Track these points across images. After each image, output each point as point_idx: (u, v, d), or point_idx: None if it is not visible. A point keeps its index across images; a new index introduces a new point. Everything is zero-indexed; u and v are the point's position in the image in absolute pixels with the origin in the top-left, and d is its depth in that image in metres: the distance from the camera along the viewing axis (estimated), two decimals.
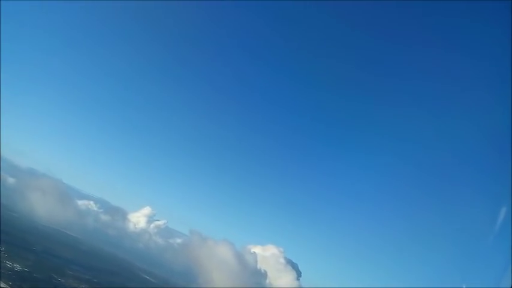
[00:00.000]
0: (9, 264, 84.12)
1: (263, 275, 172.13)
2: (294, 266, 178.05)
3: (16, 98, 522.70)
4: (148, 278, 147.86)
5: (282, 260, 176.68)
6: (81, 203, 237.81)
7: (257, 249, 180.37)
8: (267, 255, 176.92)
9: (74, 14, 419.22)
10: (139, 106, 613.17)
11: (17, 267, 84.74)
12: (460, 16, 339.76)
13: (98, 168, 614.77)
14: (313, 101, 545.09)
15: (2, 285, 67.47)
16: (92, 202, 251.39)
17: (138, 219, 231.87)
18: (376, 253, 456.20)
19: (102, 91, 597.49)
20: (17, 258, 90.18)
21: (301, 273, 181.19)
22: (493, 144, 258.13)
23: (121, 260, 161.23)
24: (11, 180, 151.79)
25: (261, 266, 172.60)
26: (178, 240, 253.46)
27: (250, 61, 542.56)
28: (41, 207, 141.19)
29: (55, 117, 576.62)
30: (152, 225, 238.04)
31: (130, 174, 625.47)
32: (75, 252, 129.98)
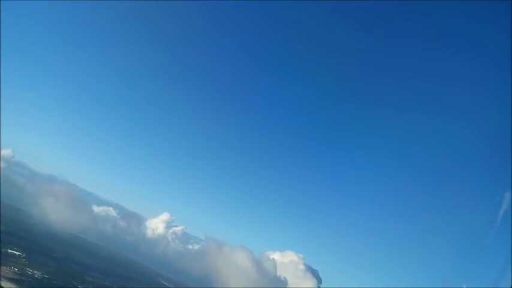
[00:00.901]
0: (29, 271, 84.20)
1: (283, 282, 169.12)
2: (314, 273, 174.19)
3: (32, 107, 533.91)
4: (166, 284, 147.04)
5: (302, 267, 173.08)
6: (100, 209, 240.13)
7: (275, 256, 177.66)
8: (285, 261, 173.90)
9: (76, 13, 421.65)
10: (153, 111, 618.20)
11: (37, 274, 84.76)
12: (459, 16, 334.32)
13: (116, 175, 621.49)
14: (315, 102, 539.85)
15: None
16: (111, 208, 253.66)
17: (157, 225, 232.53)
18: (376, 253, 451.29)
19: (111, 95, 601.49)
20: (37, 265, 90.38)
21: (321, 280, 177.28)
22: (493, 145, 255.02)
23: (139, 265, 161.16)
24: (31, 187, 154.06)
25: (280, 273, 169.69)
26: (196, 246, 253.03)
27: (253, 62, 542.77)
28: (60, 213, 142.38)
29: (71, 124, 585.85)
30: (170, 231, 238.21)
31: (147, 180, 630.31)
32: (94, 258, 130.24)
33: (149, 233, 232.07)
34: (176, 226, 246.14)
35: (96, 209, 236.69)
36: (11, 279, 73.93)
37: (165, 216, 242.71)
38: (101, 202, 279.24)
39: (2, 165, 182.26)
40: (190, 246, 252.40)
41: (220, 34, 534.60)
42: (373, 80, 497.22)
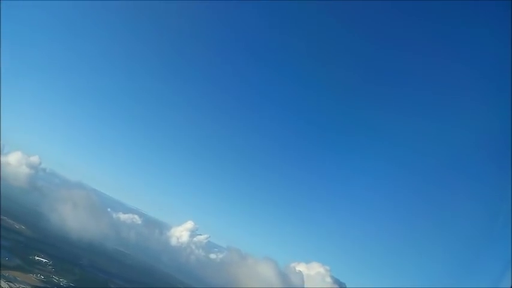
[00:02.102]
0: (55, 279, 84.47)
1: None
2: (342, 286, 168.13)
3: (59, 115, 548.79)
4: None
5: (329, 279, 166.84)
6: (126, 216, 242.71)
7: (301, 267, 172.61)
8: (312, 274, 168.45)
9: (79, 12, 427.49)
10: (177, 121, 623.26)
11: (63, 282, 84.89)
12: (459, 16, 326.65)
13: (142, 182, 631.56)
14: (318, 104, 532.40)
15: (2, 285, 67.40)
16: (136, 216, 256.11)
17: (181, 233, 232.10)
18: (377, 253, 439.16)
19: (137, 104, 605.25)
20: (63, 272, 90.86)
21: None
22: (493, 145, 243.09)
23: (163, 274, 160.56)
24: (58, 194, 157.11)
25: (307, 286, 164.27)
26: (220, 255, 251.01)
27: (255, 63, 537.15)
28: (86, 220, 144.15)
29: (98, 132, 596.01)
30: (194, 240, 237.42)
31: (171, 188, 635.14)
32: (120, 266, 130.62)
33: (173, 241, 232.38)
34: (200, 235, 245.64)
35: (122, 216, 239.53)
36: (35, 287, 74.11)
37: (189, 224, 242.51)
38: (127, 209, 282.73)
39: (29, 171, 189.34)
40: (213, 256, 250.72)
41: (221, 34, 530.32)
42: (372, 80, 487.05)
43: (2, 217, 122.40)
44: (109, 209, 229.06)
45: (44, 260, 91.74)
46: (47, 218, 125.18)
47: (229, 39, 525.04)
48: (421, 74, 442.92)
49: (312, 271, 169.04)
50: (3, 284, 67.29)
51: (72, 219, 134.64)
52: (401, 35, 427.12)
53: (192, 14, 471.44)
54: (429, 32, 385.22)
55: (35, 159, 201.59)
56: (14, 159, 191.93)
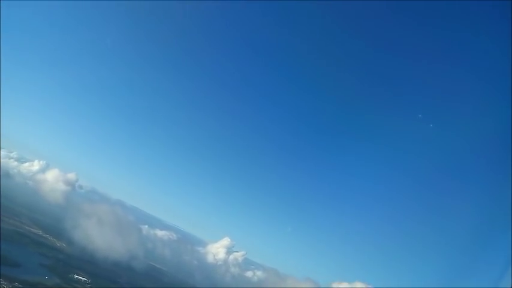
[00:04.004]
0: None
1: None
2: None
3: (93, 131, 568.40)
4: None
5: None
6: (162, 233, 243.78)
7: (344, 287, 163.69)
8: None
9: (82, 12, 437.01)
10: (213, 137, 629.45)
11: None
12: (459, 16, 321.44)
13: (179, 200, 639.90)
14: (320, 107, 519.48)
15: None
16: (172, 232, 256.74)
17: (217, 250, 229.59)
18: (377, 254, 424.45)
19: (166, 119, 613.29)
20: None
21: None
22: (493, 145, 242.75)
23: None
24: (95, 211, 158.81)
25: None
26: (258, 272, 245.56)
27: (257, 64, 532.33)
28: (122, 238, 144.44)
29: (133, 149, 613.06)
30: (231, 257, 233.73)
31: (207, 205, 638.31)
32: (157, 284, 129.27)
33: (210, 258, 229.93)
34: (237, 251, 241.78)
35: (159, 232, 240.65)
36: None
37: (225, 241, 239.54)
38: (164, 226, 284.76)
39: (66, 188, 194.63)
40: (250, 273, 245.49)
41: (221, 34, 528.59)
42: (373, 83, 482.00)
43: (44, 235, 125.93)
44: (146, 226, 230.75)
45: (83, 279, 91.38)
46: (84, 235, 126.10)
47: (231, 40, 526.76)
48: (420, 77, 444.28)
49: None
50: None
51: (108, 236, 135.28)
52: (402, 38, 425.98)
53: (192, 14, 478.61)
54: (430, 35, 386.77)
55: (71, 176, 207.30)
56: (51, 176, 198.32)
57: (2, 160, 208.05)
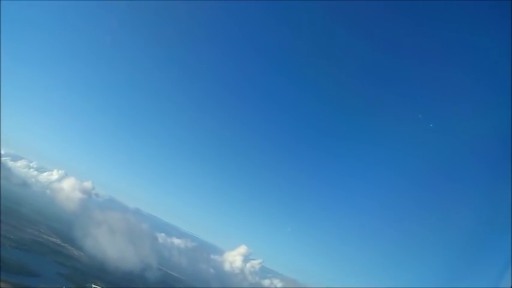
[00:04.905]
0: None
1: None
2: None
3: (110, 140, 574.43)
4: None
5: None
6: (178, 241, 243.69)
7: None
8: None
9: (84, 10, 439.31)
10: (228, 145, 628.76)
11: None
12: (459, 16, 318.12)
13: (195, 207, 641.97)
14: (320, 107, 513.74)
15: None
16: (189, 240, 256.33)
17: (234, 258, 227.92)
18: (377, 253, 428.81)
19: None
20: None
21: None
22: (493, 145, 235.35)
23: None
24: (112, 219, 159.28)
25: None
26: (275, 281, 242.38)
27: (258, 65, 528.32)
28: (138, 246, 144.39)
29: (150, 158, 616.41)
30: (248, 265, 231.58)
31: (224, 213, 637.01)
32: None
33: (226, 266, 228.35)
34: (254, 259, 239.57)
35: (176, 240, 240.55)
36: None
37: (242, 249, 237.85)
38: (181, 234, 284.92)
39: (82, 196, 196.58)
40: (267, 282, 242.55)
41: (222, 35, 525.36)
42: (372, 84, 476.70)
43: (62, 244, 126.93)
44: (163, 234, 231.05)
45: None
46: (99, 244, 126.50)
47: (231, 40, 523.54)
48: (420, 77, 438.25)
49: None
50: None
51: (124, 245, 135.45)
52: (402, 38, 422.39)
53: (194, 13, 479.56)
54: (430, 35, 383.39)
55: (88, 184, 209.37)
56: (68, 185, 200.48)
57: (21, 170, 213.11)
